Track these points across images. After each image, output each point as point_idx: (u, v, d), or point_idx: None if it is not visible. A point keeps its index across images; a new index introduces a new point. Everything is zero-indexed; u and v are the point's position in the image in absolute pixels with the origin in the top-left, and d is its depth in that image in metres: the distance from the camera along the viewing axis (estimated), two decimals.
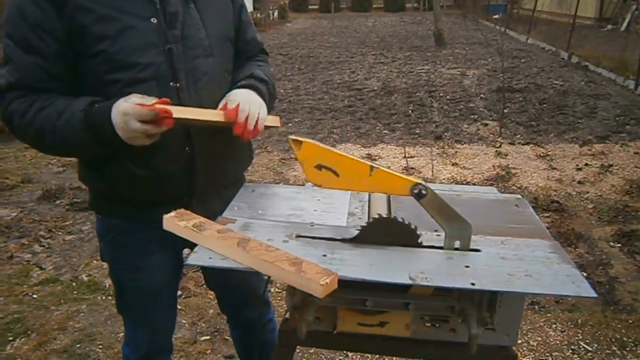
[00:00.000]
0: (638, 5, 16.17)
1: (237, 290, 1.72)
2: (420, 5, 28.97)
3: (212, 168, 1.43)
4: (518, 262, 1.04)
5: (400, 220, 1.08)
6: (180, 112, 1.20)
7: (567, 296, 0.91)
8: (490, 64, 10.85)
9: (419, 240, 1.09)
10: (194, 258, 1.05)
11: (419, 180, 1.04)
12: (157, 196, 1.38)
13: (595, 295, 0.94)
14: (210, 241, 1.08)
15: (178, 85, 1.31)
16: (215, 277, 1.71)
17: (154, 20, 1.27)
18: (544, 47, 13.53)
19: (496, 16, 21.62)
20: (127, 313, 1.63)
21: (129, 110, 1.16)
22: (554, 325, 2.79)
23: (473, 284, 0.95)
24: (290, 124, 6.78)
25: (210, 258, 1.05)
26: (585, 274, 3.21)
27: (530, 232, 1.20)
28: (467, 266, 1.02)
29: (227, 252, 1.05)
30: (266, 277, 1.10)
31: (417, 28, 19.79)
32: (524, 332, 2.74)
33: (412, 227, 1.08)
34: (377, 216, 1.08)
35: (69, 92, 1.27)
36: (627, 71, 8.97)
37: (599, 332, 2.71)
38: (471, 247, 1.09)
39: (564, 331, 2.74)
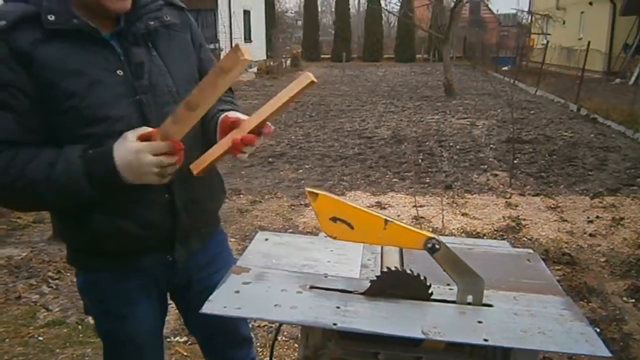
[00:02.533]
0: None
1: (222, 332, 1.70)
2: (430, 56, 29.59)
3: (192, 210, 1.43)
4: (531, 319, 1.04)
5: (410, 272, 1.09)
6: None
7: (580, 355, 0.91)
8: (499, 114, 10.96)
9: (430, 292, 1.09)
10: (208, 307, 1.06)
11: (433, 235, 1.05)
12: (141, 245, 1.38)
13: (609, 354, 0.93)
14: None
15: None
16: (198, 320, 1.64)
17: (119, 72, 1.27)
18: (552, 99, 13.69)
19: (505, 68, 22.04)
20: None
21: (141, 146, 1.18)
22: None
23: (486, 340, 0.95)
24: (300, 170, 6.84)
25: (225, 307, 1.06)
26: (598, 330, 3.15)
27: (542, 287, 1.20)
28: (479, 321, 1.02)
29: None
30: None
31: (427, 78, 20.14)
32: None
33: (423, 279, 1.09)
34: (387, 269, 1.09)
35: (46, 146, 1.25)
36: (636, 124, 9.02)
37: None
38: (483, 302, 1.10)
39: None
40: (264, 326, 3.15)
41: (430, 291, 1.10)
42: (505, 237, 4.63)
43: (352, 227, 1.07)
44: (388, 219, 1.06)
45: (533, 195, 5.77)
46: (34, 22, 1.18)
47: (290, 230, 4.78)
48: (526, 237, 4.61)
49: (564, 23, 23.21)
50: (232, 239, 4.35)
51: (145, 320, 1.51)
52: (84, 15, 1.22)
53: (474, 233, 4.71)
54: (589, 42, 14.00)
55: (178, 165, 1.24)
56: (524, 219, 5.02)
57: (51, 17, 1.18)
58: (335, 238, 1.09)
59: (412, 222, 4.85)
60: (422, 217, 5.02)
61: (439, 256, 1.06)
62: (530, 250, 1.44)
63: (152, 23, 1.32)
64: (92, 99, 1.23)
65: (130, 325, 1.49)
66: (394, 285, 1.09)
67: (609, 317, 3.31)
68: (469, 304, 1.09)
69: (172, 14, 1.40)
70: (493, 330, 0.99)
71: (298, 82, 1.20)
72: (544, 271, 1.30)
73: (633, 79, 16.61)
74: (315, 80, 1.25)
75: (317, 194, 1.07)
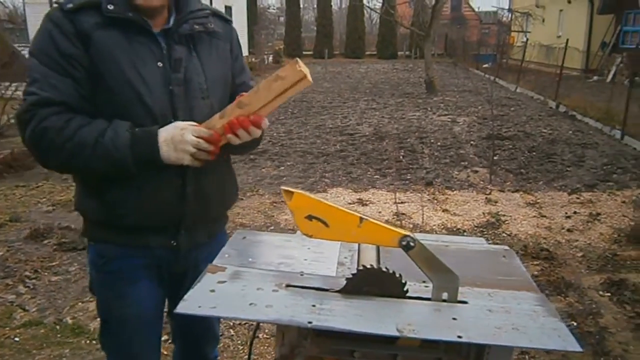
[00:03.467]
0: (623, 58, 16.67)
1: (197, 325, 1.77)
2: (411, 53, 29.70)
3: (201, 201, 1.53)
4: (505, 315, 1.05)
5: (386, 270, 1.09)
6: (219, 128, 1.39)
7: (552, 350, 0.92)
8: (480, 111, 11.06)
9: (405, 290, 1.10)
10: (182, 306, 1.05)
11: (407, 232, 1.06)
12: (149, 222, 1.48)
13: (580, 349, 0.94)
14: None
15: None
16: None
17: (160, 64, 1.42)
18: (532, 96, 13.85)
19: (486, 65, 22.23)
20: (112, 348, 1.66)
21: (186, 125, 1.37)
22: None
23: (460, 337, 0.96)
24: (282, 168, 6.82)
25: (199, 307, 1.05)
26: (575, 324, 3.20)
27: (517, 284, 1.22)
28: (454, 318, 1.03)
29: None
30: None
31: (409, 75, 20.23)
32: None
33: (398, 277, 1.09)
34: (363, 267, 1.09)
35: (95, 118, 1.40)
36: (612, 121, 9.17)
37: None
38: (458, 298, 1.10)
39: None
40: (244, 324, 3.14)
41: (405, 289, 1.10)
42: (485, 232, 4.68)
43: (327, 225, 1.07)
44: (363, 216, 1.06)
45: (512, 192, 5.83)
46: (96, 8, 1.36)
47: (272, 228, 4.77)
48: (505, 233, 4.66)
49: (543, 21, 23.47)
50: None
51: (145, 301, 1.58)
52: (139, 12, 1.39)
53: (455, 229, 4.74)
54: (567, 40, 14.20)
55: (212, 156, 1.39)
56: (504, 215, 5.07)
57: (110, 7, 1.36)
58: (311, 236, 1.09)
59: (393, 218, 4.88)
60: (403, 214, 5.04)
61: (414, 253, 1.06)
62: (506, 247, 1.45)
63: (196, 27, 1.49)
64: (132, 82, 1.38)
65: (129, 305, 1.56)
66: (370, 283, 1.10)
67: (586, 311, 3.37)
68: (444, 301, 1.10)
69: (217, 24, 1.58)
70: (467, 326, 1.00)
71: (291, 77, 1.30)
72: (519, 268, 1.31)
73: (610, 76, 16.87)
74: (310, 79, 1.34)
75: (292, 193, 1.06)
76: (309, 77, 1.34)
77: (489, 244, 1.50)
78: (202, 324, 1.78)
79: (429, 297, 1.11)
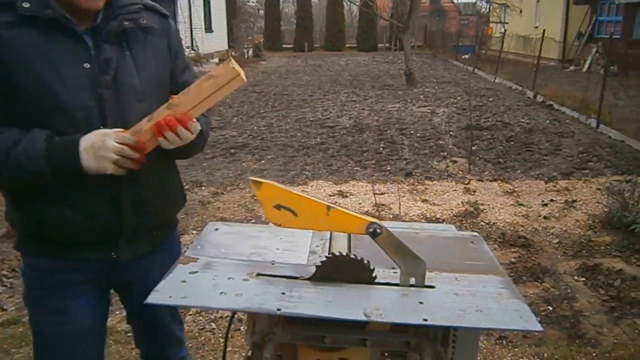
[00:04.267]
0: (598, 47, 16.93)
1: (156, 329, 1.71)
2: (392, 45, 29.77)
3: (140, 210, 1.44)
4: (470, 298, 1.08)
5: (354, 257, 1.11)
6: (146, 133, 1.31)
7: (514, 330, 0.95)
8: (459, 102, 11.15)
9: (374, 276, 1.12)
10: (153, 297, 1.06)
11: (374, 220, 1.08)
12: (83, 237, 1.39)
13: (541, 329, 0.98)
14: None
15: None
16: (136, 312, 1.68)
17: (86, 65, 1.31)
18: (510, 86, 14.00)
19: (465, 56, 22.37)
20: None
21: (109, 132, 1.27)
22: None
23: (425, 320, 0.99)
24: (263, 161, 6.82)
25: (170, 297, 1.06)
26: (551, 308, 3.28)
27: (484, 268, 1.25)
28: (421, 302, 1.05)
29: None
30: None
31: (389, 67, 20.28)
32: None
33: (367, 263, 1.11)
34: (332, 254, 1.11)
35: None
36: (588, 110, 9.32)
37: None
38: (426, 283, 1.13)
39: None
40: (226, 317, 3.15)
41: (374, 275, 1.13)
42: (463, 222, 4.74)
43: (295, 214, 1.09)
44: (330, 205, 1.08)
45: (491, 181, 5.91)
46: (9, 6, 1.24)
47: (253, 221, 4.77)
48: (484, 222, 4.73)
49: (520, 12, 23.69)
50: (194, 231, 4.31)
51: (84, 318, 1.49)
52: (63, 8, 1.27)
53: (434, 219, 4.80)
54: (544, 31, 14.36)
55: (137, 165, 1.30)
56: (482, 204, 5.14)
57: (26, 4, 1.23)
58: (280, 225, 1.11)
59: (373, 209, 4.91)
60: (383, 204, 5.08)
61: (381, 240, 1.08)
62: (475, 233, 1.48)
63: (127, 23, 1.37)
64: (52, 87, 1.27)
65: (65, 322, 1.47)
66: (339, 270, 1.12)
67: (561, 296, 3.44)
68: (412, 286, 1.12)
69: (151, 19, 1.46)
70: (433, 310, 1.03)
71: (223, 76, 1.25)
72: (487, 253, 1.35)
73: (586, 66, 17.13)
74: (243, 78, 1.28)
75: (260, 183, 1.08)
76: (243, 76, 1.29)
77: (460, 230, 1.53)
78: (162, 328, 1.71)
79: (398, 282, 1.13)
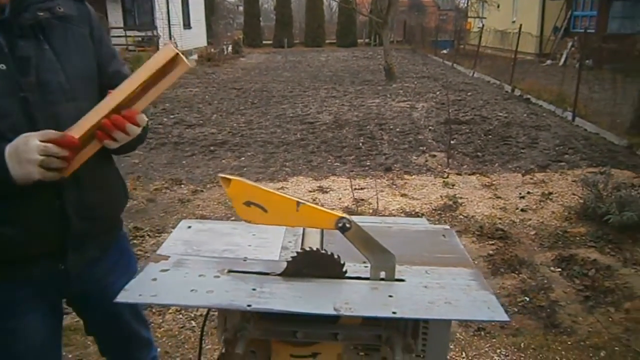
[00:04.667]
0: (574, 42, 17.18)
1: (120, 333, 1.64)
2: (371, 40, 29.84)
3: (86, 217, 1.34)
4: (439, 290, 1.10)
5: (324, 252, 1.12)
6: (81, 129, 1.17)
7: (481, 321, 0.96)
8: (438, 97, 11.23)
9: (344, 271, 1.13)
10: (123, 296, 1.05)
11: (343, 215, 1.08)
12: (27, 253, 1.29)
13: (507, 319, 0.99)
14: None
15: None
16: (97, 320, 1.62)
17: (2, 66, 1.16)
18: (489, 80, 14.15)
19: (444, 51, 22.54)
20: None
21: (34, 133, 1.13)
22: (498, 350, 2.86)
23: (394, 313, 1.00)
24: (243, 158, 6.80)
25: (140, 295, 1.06)
26: (527, 299, 3.33)
27: (454, 261, 1.26)
28: (390, 296, 1.07)
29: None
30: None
31: (369, 63, 20.34)
32: (470, 357, 2.80)
33: (337, 258, 1.12)
34: (302, 249, 1.12)
35: None
36: (565, 103, 9.47)
37: (541, 355, 2.80)
38: (396, 277, 1.14)
39: (507, 355, 2.81)
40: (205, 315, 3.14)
41: (344, 269, 1.14)
42: (442, 215, 4.78)
43: (266, 211, 1.09)
44: (300, 201, 1.08)
45: (469, 174, 5.97)
46: None
47: (233, 218, 4.76)
48: (462, 215, 4.78)
49: (498, 7, 23.89)
50: (172, 230, 4.28)
51: (35, 335, 1.40)
52: None
53: (413, 213, 4.83)
54: (520, 25, 14.51)
55: (67, 163, 1.17)
56: (461, 198, 5.20)
57: None
58: (250, 222, 1.11)
59: (353, 204, 4.93)
60: (362, 199, 5.10)
61: (351, 234, 1.09)
62: (447, 226, 1.50)
63: (41, 14, 1.23)
64: None
65: (18, 341, 1.38)
66: (309, 265, 1.12)
67: (538, 287, 3.50)
68: (382, 279, 1.13)
69: (67, 6, 1.31)
70: (402, 303, 1.04)
71: (161, 58, 1.15)
72: (457, 246, 1.36)
73: (562, 60, 17.37)
74: (187, 63, 1.18)
75: (229, 180, 1.08)
76: (185, 60, 1.17)
77: (432, 223, 1.55)
78: (126, 332, 1.64)
79: (368, 277, 1.14)
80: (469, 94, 11.78)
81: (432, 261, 1.25)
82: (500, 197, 5.22)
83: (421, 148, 7.11)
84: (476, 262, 3.67)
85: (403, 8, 31.92)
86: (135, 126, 1.21)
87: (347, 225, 1.08)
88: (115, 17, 22.26)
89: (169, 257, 1.24)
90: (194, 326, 3.09)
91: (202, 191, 5.48)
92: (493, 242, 4.18)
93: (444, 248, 1.34)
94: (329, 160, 6.61)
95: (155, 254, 1.26)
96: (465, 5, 31.59)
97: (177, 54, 1.16)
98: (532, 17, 20.14)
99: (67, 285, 1.41)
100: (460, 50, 20.58)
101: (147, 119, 1.26)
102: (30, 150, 1.11)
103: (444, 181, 5.72)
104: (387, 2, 14.92)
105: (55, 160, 1.14)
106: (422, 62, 19.76)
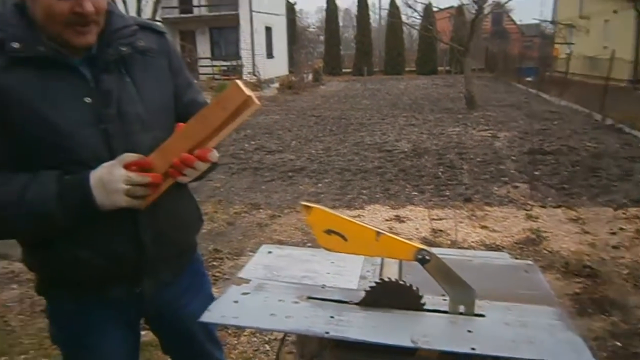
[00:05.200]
0: None
1: (194, 353, 1.65)
2: (452, 68, 29.50)
3: (161, 242, 1.37)
4: (521, 329, 1.06)
5: (403, 283, 1.12)
6: (161, 168, 1.23)
7: None
8: (521, 126, 10.86)
9: (423, 303, 1.12)
10: (207, 316, 1.10)
11: (423, 246, 1.08)
12: (105, 276, 1.34)
13: None
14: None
15: None
16: (171, 340, 1.66)
17: (87, 99, 1.23)
18: (576, 109, 13.51)
19: (529, 79, 21.83)
20: None
21: (114, 161, 1.20)
22: None
23: (473, 349, 0.98)
24: (320, 185, 6.89)
25: (222, 316, 1.10)
26: (619, 344, 3.10)
27: (537, 298, 1.22)
28: (469, 331, 1.04)
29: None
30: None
31: (449, 90, 20.08)
32: None
33: (415, 290, 1.12)
34: (381, 280, 1.13)
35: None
36: None
37: None
38: (476, 312, 1.12)
39: None
40: (279, 339, 3.18)
41: (422, 301, 1.13)
42: (525, 249, 4.58)
43: (345, 239, 1.11)
44: (380, 231, 1.09)
45: (554, 207, 5.70)
46: None
47: (309, 244, 4.81)
48: (546, 250, 4.56)
49: (587, 32, 22.94)
50: (250, 253, 4.40)
51: (114, 354, 1.46)
52: (54, 42, 1.19)
53: (494, 245, 4.67)
54: (613, 51, 13.81)
55: (151, 190, 1.22)
56: (545, 231, 4.96)
57: (15, 45, 1.16)
58: (330, 250, 1.13)
59: (431, 235, 4.85)
60: (441, 230, 5.00)
61: (430, 267, 1.09)
62: (529, 262, 1.45)
63: (123, 49, 1.29)
64: (53, 127, 1.19)
65: (100, 357, 1.44)
66: (388, 296, 1.12)
67: (631, 331, 3.25)
68: (461, 313, 1.11)
69: (148, 39, 1.37)
70: (482, 339, 1.02)
71: (233, 100, 1.16)
72: (541, 282, 1.31)
73: None
74: (256, 101, 1.17)
75: (310, 207, 1.11)
76: (256, 100, 1.18)
77: (515, 258, 1.50)
78: (199, 352, 1.65)
79: (447, 310, 1.13)
80: (554, 122, 11.30)
81: (513, 297, 1.21)
82: (588, 232, 4.93)
83: (503, 179, 6.88)
84: (561, 301, 3.48)
85: (485, 35, 31.40)
86: (204, 163, 1.25)
87: (427, 257, 1.07)
88: (203, 48, 23.61)
89: (250, 280, 1.28)
90: (267, 350, 3.13)
91: (279, 216, 5.60)
92: (580, 280, 3.94)
93: (527, 284, 1.30)
94: (407, 189, 6.55)
95: (237, 277, 1.31)
96: (552, 31, 30.60)
97: (249, 97, 1.17)
98: (626, 42, 19.11)
99: (143, 306, 1.46)
100: (546, 77, 19.85)
101: (217, 155, 1.29)
102: (115, 180, 1.18)
103: (526, 214, 5.49)
104: (469, 30, 14.76)
105: (140, 188, 1.21)
106: (504, 90, 19.25)
